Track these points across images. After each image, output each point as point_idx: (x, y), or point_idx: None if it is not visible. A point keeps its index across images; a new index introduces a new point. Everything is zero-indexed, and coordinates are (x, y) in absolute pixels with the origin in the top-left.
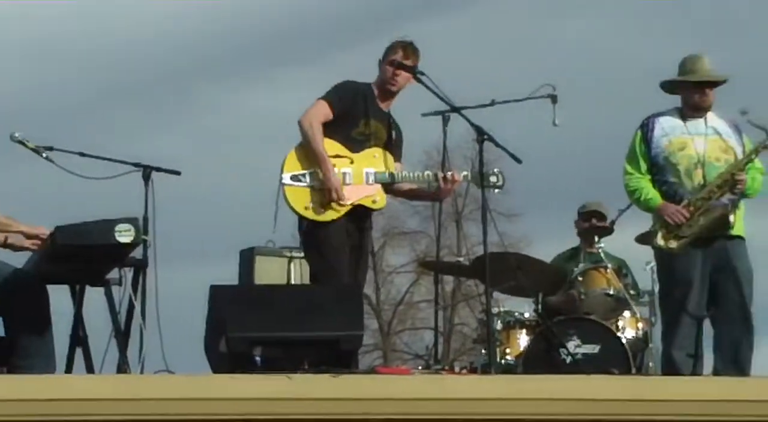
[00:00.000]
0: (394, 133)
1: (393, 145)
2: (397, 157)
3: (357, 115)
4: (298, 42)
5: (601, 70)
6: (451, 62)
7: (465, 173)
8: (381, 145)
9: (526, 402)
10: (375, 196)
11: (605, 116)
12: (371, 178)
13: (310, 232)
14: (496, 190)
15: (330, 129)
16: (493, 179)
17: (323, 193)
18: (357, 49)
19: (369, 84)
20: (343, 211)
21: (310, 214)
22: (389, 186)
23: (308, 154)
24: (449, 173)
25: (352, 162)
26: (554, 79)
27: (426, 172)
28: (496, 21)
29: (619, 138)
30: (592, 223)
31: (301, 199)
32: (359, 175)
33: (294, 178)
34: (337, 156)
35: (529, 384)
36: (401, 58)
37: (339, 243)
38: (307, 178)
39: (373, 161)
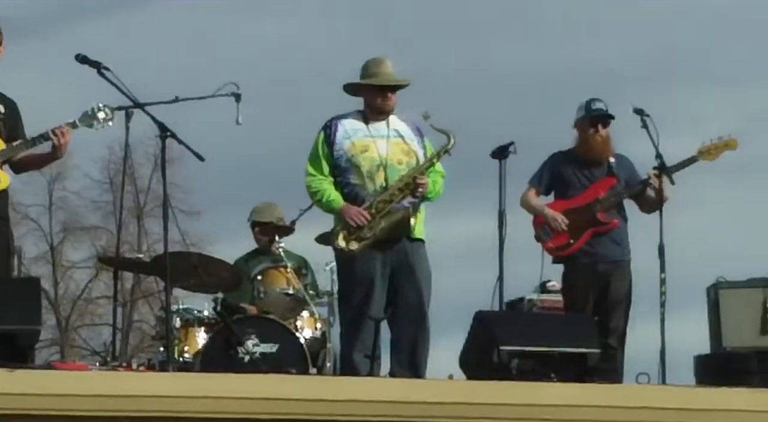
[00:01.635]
0: (2, 112)
1: (3, 125)
2: (15, 135)
3: None
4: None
5: (285, 69)
6: (135, 58)
7: (72, 120)
8: None
9: (202, 400)
10: None
11: (289, 116)
12: None
13: None
14: (110, 123)
15: None
16: (101, 115)
17: None
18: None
19: None
20: None
21: None
22: (11, 165)
23: None
24: (57, 127)
25: None
26: (240, 78)
27: (33, 137)
28: (183, 19)
29: (302, 139)
30: (260, 232)
31: None
32: None
33: None
34: None
35: (206, 382)
36: None
37: None
38: None
39: None
